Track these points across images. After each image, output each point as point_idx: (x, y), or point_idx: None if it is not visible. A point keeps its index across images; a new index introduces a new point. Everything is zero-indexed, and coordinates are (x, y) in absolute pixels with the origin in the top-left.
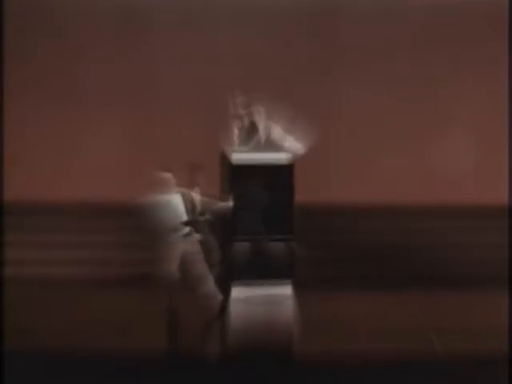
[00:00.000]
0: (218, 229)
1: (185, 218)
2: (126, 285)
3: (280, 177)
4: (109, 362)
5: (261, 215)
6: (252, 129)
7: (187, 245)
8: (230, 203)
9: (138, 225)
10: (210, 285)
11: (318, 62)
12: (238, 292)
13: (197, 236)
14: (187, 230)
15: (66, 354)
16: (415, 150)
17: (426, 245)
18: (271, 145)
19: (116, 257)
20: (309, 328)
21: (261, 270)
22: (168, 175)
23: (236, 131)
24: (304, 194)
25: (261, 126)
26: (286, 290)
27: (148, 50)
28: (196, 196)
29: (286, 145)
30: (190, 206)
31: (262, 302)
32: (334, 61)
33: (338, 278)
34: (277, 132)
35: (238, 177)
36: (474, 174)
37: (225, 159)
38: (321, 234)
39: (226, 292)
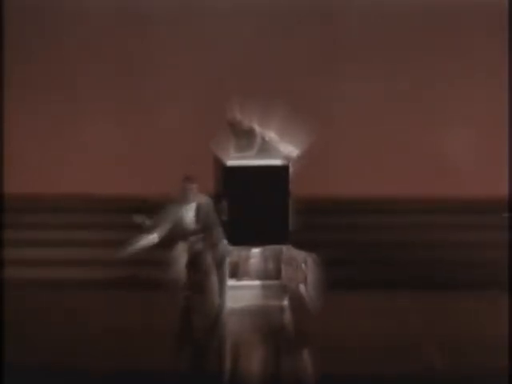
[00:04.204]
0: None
1: (192, 226)
2: (124, 285)
3: (275, 178)
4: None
5: (255, 218)
6: (248, 133)
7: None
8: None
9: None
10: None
11: (316, 60)
12: (232, 300)
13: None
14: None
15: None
16: (415, 147)
17: (426, 243)
18: (267, 150)
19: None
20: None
21: (255, 276)
22: (192, 185)
23: (232, 135)
24: (301, 190)
25: (257, 131)
26: (282, 299)
27: (147, 50)
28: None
29: (281, 149)
30: (202, 216)
31: (258, 311)
32: (333, 60)
33: (335, 281)
34: (272, 136)
35: (232, 179)
36: (474, 170)
37: (218, 161)
38: (318, 231)
39: (220, 299)
